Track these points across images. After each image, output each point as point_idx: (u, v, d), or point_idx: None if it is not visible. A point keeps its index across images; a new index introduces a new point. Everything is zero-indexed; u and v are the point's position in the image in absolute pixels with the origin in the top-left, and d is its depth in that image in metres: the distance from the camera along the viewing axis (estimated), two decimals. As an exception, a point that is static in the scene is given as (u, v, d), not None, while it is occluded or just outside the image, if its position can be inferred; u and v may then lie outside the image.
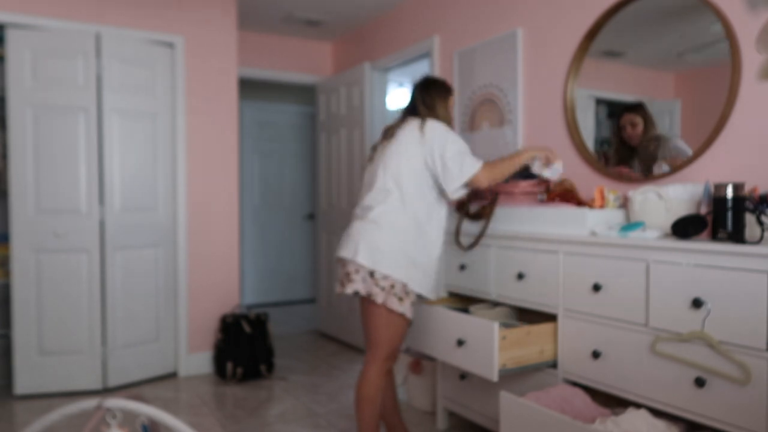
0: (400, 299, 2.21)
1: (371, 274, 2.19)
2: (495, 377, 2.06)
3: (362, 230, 2.23)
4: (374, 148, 2.43)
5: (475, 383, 2.59)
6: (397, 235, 2.21)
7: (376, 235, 2.20)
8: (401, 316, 2.23)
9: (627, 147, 2.51)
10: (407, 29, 3.99)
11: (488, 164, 2.29)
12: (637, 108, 2.46)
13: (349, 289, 2.22)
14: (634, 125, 2.45)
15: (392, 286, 2.19)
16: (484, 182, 2.26)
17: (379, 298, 2.18)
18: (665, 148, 2.37)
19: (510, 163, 2.32)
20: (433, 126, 2.26)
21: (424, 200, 2.26)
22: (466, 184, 2.26)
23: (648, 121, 2.42)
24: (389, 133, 2.37)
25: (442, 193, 2.29)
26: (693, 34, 2.26)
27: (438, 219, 2.32)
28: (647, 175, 2.41)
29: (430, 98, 2.35)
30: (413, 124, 2.29)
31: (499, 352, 2.07)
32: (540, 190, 2.49)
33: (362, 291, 2.20)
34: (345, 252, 2.25)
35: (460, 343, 2.21)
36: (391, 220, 2.21)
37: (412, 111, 2.38)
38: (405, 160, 2.24)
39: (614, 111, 2.60)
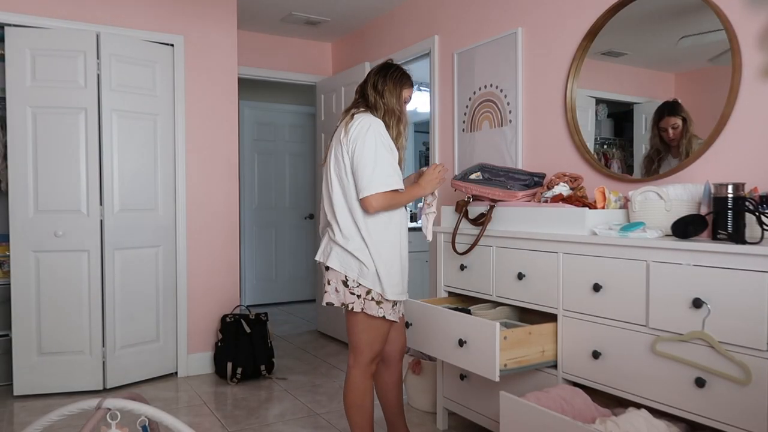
0: (378, 303, 2.17)
1: (344, 282, 2.17)
2: (496, 377, 2.06)
3: (331, 237, 2.20)
4: (328, 146, 2.30)
5: (476, 383, 2.59)
6: (354, 248, 2.14)
7: (341, 243, 2.15)
8: (381, 319, 2.19)
9: (667, 149, 2.42)
10: (407, 29, 3.99)
11: (390, 193, 2.12)
12: (676, 109, 2.37)
13: (324, 301, 2.22)
14: (675, 127, 2.38)
15: (368, 292, 2.16)
16: (373, 208, 2.09)
17: (357, 306, 2.16)
18: (696, 143, 2.32)
19: (409, 196, 2.21)
20: (360, 125, 2.11)
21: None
22: (361, 200, 2.12)
23: (687, 121, 2.35)
24: (336, 127, 2.26)
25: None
26: (693, 33, 2.26)
27: (397, 220, 2.21)
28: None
29: (383, 83, 2.20)
30: (347, 119, 2.17)
31: (500, 352, 2.07)
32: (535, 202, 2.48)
33: (335, 302, 2.19)
34: (320, 256, 2.24)
35: (461, 343, 2.21)
36: (345, 235, 2.14)
37: (361, 95, 2.25)
38: (339, 162, 2.15)
39: (619, 108, 2.56)
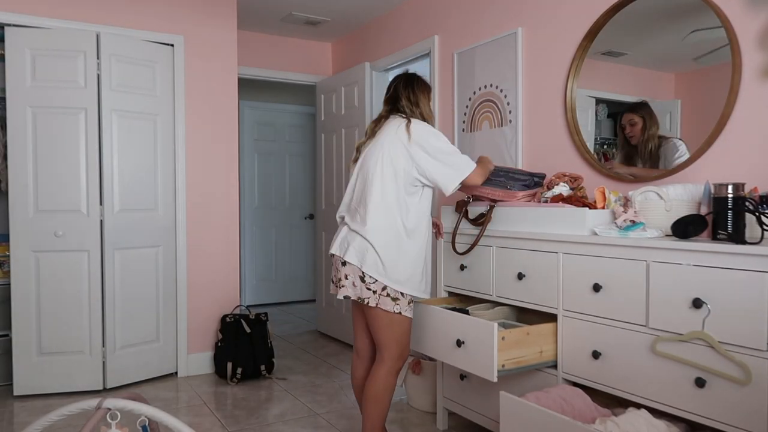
0: (394, 299, 2.21)
1: (362, 277, 2.20)
2: (494, 378, 2.06)
3: (352, 234, 2.24)
4: (358, 149, 2.39)
5: (475, 383, 2.59)
6: (383, 241, 2.19)
7: (362, 241, 2.20)
8: (400, 314, 2.23)
9: (630, 146, 2.52)
10: (407, 29, 3.99)
11: (479, 164, 2.32)
12: (637, 107, 2.47)
13: (340, 294, 2.25)
14: (633, 124, 2.47)
15: (383, 288, 2.20)
16: (478, 180, 2.29)
17: (372, 301, 2.19)
18: (665, 147, 2.37)
19: (488, 167, 2.37)
20: (420, 126, 2.23)
21: (407, 200, 2.23)
22: (462, 183, 2.26)
23: (648, 120, 2.42)
24: (373, 131, 2.33)
25: (431, 190, 2.31)
26: (693, 33, 2.26)
27: (421, 216, 2.28)
28: (646, 175, 2.41)
29: (414, 94, 2.31)
30: (397, 123, 2.26)
31: (498, 353, 2.07)
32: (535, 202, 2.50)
33: (352, 296, 2.22)
34: (337, 250, 2.27)
35: (460, 343, 2.21)
36: (378, 224, 2.19)
37: (394, 106, 2.33)
38: (389, 161, 2.21)
39: (619, 108, 2.60)
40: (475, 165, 2.27)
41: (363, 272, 2.19)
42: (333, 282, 2.33)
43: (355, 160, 2.38)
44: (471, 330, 2.16)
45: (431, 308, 2.38)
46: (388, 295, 2.20)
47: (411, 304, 2.28)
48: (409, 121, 2.24)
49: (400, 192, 2.22)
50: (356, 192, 2.31)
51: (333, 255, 2.31)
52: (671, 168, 2.32)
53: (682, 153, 2.29)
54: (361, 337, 2.44)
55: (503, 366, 2.09)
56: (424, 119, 2.32)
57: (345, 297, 2.24)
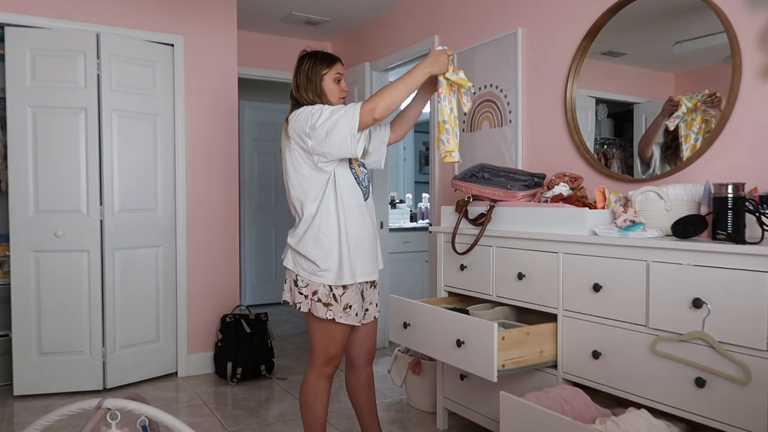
0: (327, 305, 2.10)
1: (295, 281, 2.16)
2: (494, 378, 2.06)
3: (289, 239, 2.20)
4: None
5: (475, 383, 2.59)
6: (304, 241, 2.12)
7: (292, 239, 2.17)
8: (332, 321, 2.11)
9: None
10: (407, 29, 3.99)
11: (370, 98, 2.01)
12: None
13: (282, 298, 2.23)
14: None
15: (314, 293, 2.11)
16: (374, 113, 1.96)
17: (304, 306, 2.13)
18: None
19: (402, 83, 1.99)
20: (295, 118, 2.08)
21: (317, 197, 2.11)
22: (360, 132, 2.00)
23: None
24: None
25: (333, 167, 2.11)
26: (693, 33, 2.26)
27: (344, 205, 2.11)
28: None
29: (299, 80, 2.18)
30: (284, 127, 2.15)
31: (498, 353, 2.07)
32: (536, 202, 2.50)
33: (290, 301, 2.20)
34: (283, 254, 2.26)
35: (460, 343, 2.20)
36: (297, 229, 2.15)
37: (291, 96, 2.23)
38: (287, 164, 2.14)
39: (619, 108, 2.58)
40: (357, 109, 1.98)
41: (296, 276, 2.14)
42: None
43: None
44: (471, 330, 2.16)
45: (431, 308, 2.38)
46: (319, 300, 2.10)
47: (348, 309, 2.11)
48: (287, 122, 2.13)
49: (298, 190, 2.12)
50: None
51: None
52: (674, 168, 2.32)
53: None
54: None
55: (503, 366, 2.09)
56: (315, 100, 2.15)
57: (284, 301, 2.22)
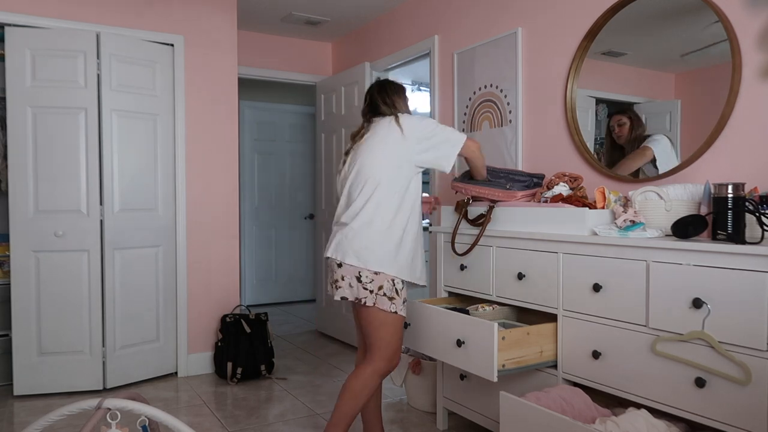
0: (391, 299, 2.22)
1: (358, 278, 2.21)
2: (494, 378, 2.06)
3: (348, 232, 2.25)
4: (347, 153, 2.43)
5: (475, 383, 2.59)
6: (379, 231, 2.22)
7: (361, 235, 2.22)
8: (394, 314, 2.23)
9: (617, 147, 2.57)
10: (407, 29, 3.99)
11: (480, 159, 2.42)
12: (625, 108, 2.53)
13: (337, 296, 2.26)
14: (621, 125, 2.53)
15: (380, 288, 2.21)
16: (474, 151, 2.35)
17: (369, 300, 2.20)
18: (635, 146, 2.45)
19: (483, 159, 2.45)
20: (408, 117, 2.32)
21: (401, 192, 2.27)
22: (459, 154, 2.32)
23: (635, 121, 2.46)
24: (359, 135, 2.40)
25: (420, 177, 2.36)
26: (693, 34, 2.26)
27: (412, 204, 2.31)
28: (634, 175, 2.47)
29: (389, 98, 2.39)
30: (386, 121, 2.32)
31: (498, 353, 2.07)
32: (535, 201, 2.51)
33: (349, 297, 2.23)
34: (332, 253, 2.29)
35: (460, 343, 2.21)
36: (372, 218, 2.23)
37: (374, 113, 2.40)
38: (382, 156, 2.26)
39: (619, 108, 2.63)
40: (464, 135, 2.33)
41: (359, 273, 2.21)
42: (330, 284, 2.34)
43: (344, 163, 2.41)
44: (471, 330, 2.16)
45: (431, 308, 2.38)
46: (384, 294, 2.21)
47: (405, 303, 2.29)
48: (396, 116, 2.31)
49: (392, 184, 2.25)
50: (349, 195, 2.33)
51: (328, 258, 2.32)
52: (674, 168, 2.32)
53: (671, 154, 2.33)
54: (363, 337, 2.45)
55: (503, 366, 2.09)
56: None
57: (342, 298, 2.25)
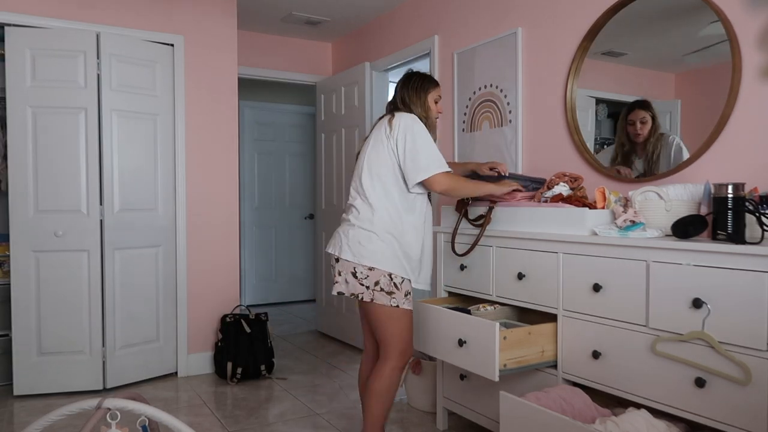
0: (390, 293, 2.21)
1: (354, 273, 2.22)
2: (496, 377, 2.06)
3: (346, 228, 2.29)
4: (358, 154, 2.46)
5: (476, 383, 2.59)
6: (377, 228, 2.23)
7: (357, 231, 2.24)
8: (398, 309, 2.23)
9: (632, 144, 2.50)
10: (407, 29, 3.99)
11: (453, 175, 2.30)
12: (646, 104, 2.44)
13: (334, 290, 2.27)
14: (644, 121, 2.44)
15: (376, 283, 2.21)
16: (440, 187, 2.24)
17: (367, 296, 2.21)
18: (667, 146, 2.37)
19: (474, 188, 2.36)
20: (401, 119, 2.26)
21: (401, 191, 2.27)
22: (422, 183, 2.25)
23: (655, 119, 2.41)
24: (370, 132, 2.42)
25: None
26: (693, 34, 2.26)
27: (420, 207, 2.32)
28: (649, 174, 2.41)
29: (407, 94, 2.36)
30: (386, 118, 2.33)
31: (500, 352, 2.07)
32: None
33: (345, 292, 2.24)
34: (331, 248, 2.32)
35: (461, 343, 2.21)
36: (370, 216, 2.24)
37: (393, 107, 2.40)
38: (376, 155, 2.28)
39: (619, 108, 2.59)
40: (445, 170, 2.24)
41: (354, 268, 2.22)
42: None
43: (357, 158, 2.45)
44: (473, 330, 2.16)
45: (432, 308, 2.38)
46: (381, 289, 2.20)
47: (408, 296, 2.27)
48: (393, 115, 2.30)
49: (391, 182, 2.26)
50: (350, 191, 2.38)
51: (328, 253, 2.35)
52: (674, 168, 2.32)
53: (682, 152, 2.29)
54: (368, 335, 2.47)
55: (505, 366, 2.09)
56: (422, 114, 2.36)
57: (338, 293, 2.26)
